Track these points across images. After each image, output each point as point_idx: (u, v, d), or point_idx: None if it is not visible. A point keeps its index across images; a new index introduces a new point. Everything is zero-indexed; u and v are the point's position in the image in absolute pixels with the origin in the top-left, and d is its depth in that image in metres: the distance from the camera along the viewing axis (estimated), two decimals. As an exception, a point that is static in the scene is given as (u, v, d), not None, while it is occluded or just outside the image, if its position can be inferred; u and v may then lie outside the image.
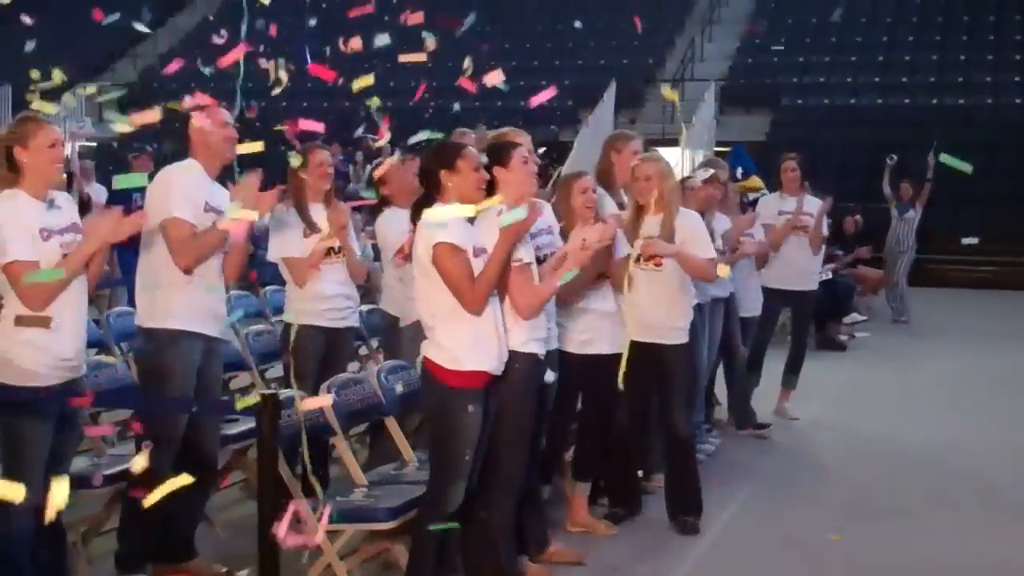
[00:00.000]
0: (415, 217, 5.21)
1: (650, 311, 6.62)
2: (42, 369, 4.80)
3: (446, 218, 4.99)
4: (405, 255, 6.21)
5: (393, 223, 6.82)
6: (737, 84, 25.81)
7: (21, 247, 4.72)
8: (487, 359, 5.08)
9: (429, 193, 5.19)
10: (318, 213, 6.59)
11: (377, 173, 7.06)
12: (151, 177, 5.73)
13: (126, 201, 12.48)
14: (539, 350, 5.44)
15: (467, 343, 5.03)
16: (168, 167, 5.61)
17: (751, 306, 9.09)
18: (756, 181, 12.61)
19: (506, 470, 5.36)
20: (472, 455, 5.09)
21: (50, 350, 4.81)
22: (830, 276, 14.00)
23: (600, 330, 6.47)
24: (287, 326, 6.69)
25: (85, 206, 13.87)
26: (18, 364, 4.77)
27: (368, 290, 11.97)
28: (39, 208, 4.83)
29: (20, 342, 4.77)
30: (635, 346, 6.53)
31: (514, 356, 5.26)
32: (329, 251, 6.60)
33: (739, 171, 12.21)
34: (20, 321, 4.74)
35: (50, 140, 4.85)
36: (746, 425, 9.13)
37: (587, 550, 6.28)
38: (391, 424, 6.22)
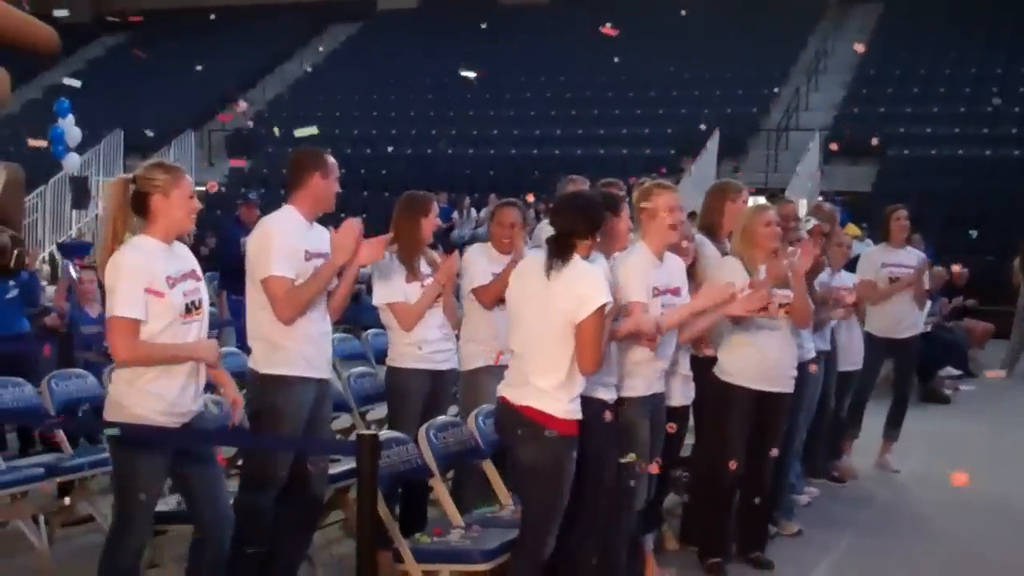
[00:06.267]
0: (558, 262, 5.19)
1: (783, 360, 6.69)
2: (155, 416, 4.87)
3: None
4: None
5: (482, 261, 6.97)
6: (842, 133, 25.59)
7: (133, 304, 4.78)
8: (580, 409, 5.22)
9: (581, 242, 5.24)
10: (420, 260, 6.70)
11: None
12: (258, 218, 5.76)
13: (234, 243, 12.74)
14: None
15: (576, 393, 5.16)
16: (265, 219, 5.63)
17: (854, 359, 9.01)
18: (853, 228, 12.53)
19: (589, 514, 5.42)
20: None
21: (165, 398, 4.89)
22: (930, 328, 13.81)
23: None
24: (392, 370, 6.80)
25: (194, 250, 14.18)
26: (132, 410, 4.86)
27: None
28: (165, 255, 4.90)
29: (137, 389, 4.86)
30: (752, 395, 6.59)
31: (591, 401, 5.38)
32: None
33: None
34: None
35: (190, 191, 4.95)
36: (820, 475, 8.89)
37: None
38: (488, 467, 6.29)
